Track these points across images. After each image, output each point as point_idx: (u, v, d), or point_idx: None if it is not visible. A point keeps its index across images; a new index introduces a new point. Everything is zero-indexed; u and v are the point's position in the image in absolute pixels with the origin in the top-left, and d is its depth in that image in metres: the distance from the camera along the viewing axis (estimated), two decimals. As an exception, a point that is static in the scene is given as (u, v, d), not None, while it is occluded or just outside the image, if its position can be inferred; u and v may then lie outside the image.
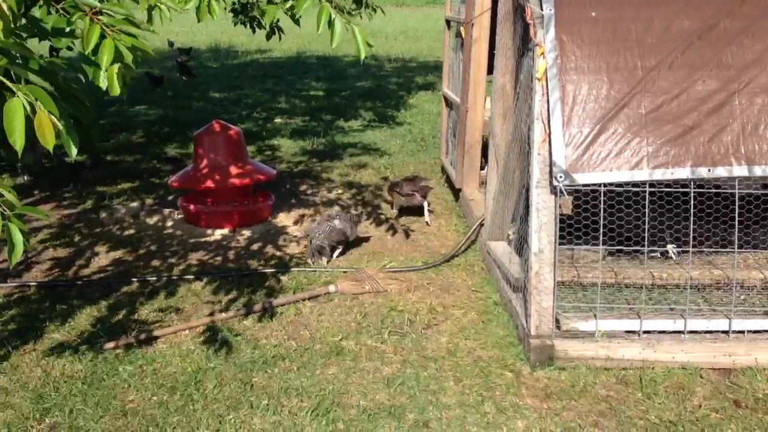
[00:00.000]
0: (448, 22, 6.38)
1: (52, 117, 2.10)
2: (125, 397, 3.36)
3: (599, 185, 3.50)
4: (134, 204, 6.05)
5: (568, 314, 3.67)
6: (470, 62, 5.45)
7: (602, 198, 3.49)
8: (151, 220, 5.80)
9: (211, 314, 4.13)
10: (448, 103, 6.48)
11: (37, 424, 3.17)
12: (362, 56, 2.97)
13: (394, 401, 3.28)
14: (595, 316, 3.61)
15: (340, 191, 6.53)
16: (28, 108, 2.01)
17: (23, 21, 2.30)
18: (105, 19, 2.22)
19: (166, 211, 5.94)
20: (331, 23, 2.93)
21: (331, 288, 4.40)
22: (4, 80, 1.93)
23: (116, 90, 2.57)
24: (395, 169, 7.21)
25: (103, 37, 2.31)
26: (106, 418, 3.20)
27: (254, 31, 6.79)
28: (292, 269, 4.76)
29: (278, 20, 7.04)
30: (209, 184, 5.57)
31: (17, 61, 2.13)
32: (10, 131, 2.06)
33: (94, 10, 2.23)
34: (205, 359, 3.66)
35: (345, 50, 17.93)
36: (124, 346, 3.77)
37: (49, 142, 2.12)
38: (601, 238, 3.54)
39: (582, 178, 3.44)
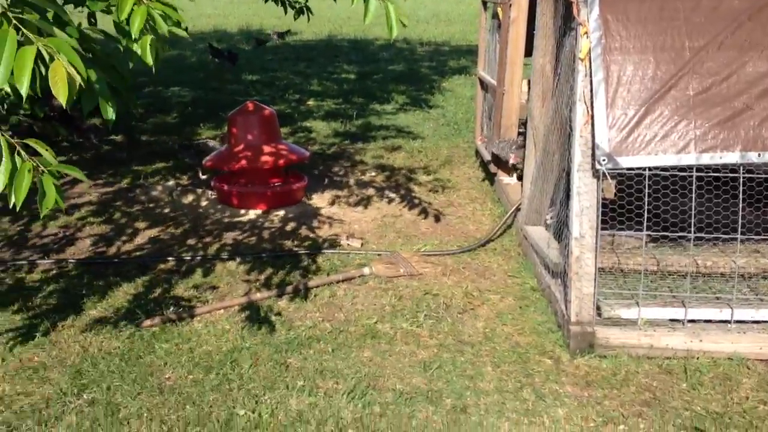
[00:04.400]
0: (484, 3, 6.27)
1: (72, 70, 2.08)
2: (162, 374, 3.37)
3: (644, 169, 3.40)
4: (169, 183, 6.07)
5: (609, 301, 3.59)
6: (507, 43, 5.35)
7: (647, 182, 3.40)
8: (186, 200, 5.81)
9: (247, 294, 4.13)
10: (484, 86, 6.38)
11: (75, 399, 3.19)
12: (394, 34, 2.89)
13: (431, 385, 3.25)
14: (637, 303, 3.53)
15: (373, 174, 6.48)
16: (47, 58, 2.00)
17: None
18: (139, -15, 2.20)
19: (200, 190, 5.95)
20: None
21: (366, 270, 4.37)
22: (23, 29, 1.93)
23: (149, 59, 2.55)
24: (428, 152, 7.14)
25: (137, 3, 2.29)
26: (143, 395, 3.21)
27: (285, 11, 6.74)
28: (326, 251, 4.73)
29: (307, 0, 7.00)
30: (243, 164, 5.56)
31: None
32: (19, 75, 2.05)
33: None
34: (241, 339, 3.65)
35: (377, 33, 17.86)
36: (160, 323, 3.79)
37: (61, 93, 2.08)
38: (645, 224, 3.44)
39: (626, 162, 3.35)
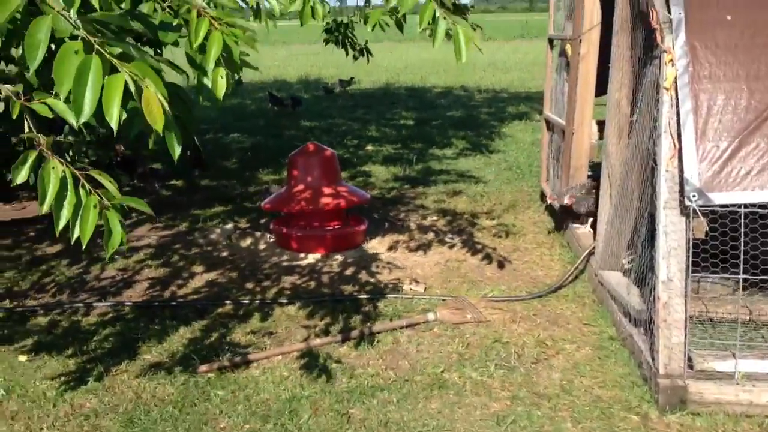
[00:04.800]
0: (550, 41, 6.09)
1: (160, 96, 1.95)
2: (216, 423, 3.18)
3: (739, 206, 3.11)
4: (228, 226, 5.98)
5: (701, 352, 3.27)
6: (577, 81, 5.14)
7: (743, 221, 3.10)
8: (244, 243, 5.70)
9: (306, 339, 3.94)
10: (550, 127, 6.16)
11: (126, 448, 3.02)
12: (463, 59, 2.69)
13: (506, 441, 2.97)
14: (733, 355, 3.20)
15: (434, 218, 6.28)
16: (132, 87, 1.84)
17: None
18: (213, 12, 2.07)
19: (258, 234, 5.84)
20: (434, 21, 2.70)
21: (431, 316, 4.14)
22: (108, 56, 1.77)
23: (220, 93, 2.41)
24: (491, 196, 6.91)
25: (211, 29, 2.16)
26: (196, 445, 3.02)
27: (347, 53, 6.71)
28: (389, 296, 4.52)
29: (366, 41, 6.95)
30: (302, 206, 5.44)
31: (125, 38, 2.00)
32: (108, 106, 1.90)
33: (201, 6, 2.09)
34: (300, 387, 3.45)
35: (434, 81, 17.90)
36: (216, 369, 3.62)
37: (158, 122, 1.94)
38: (741, 266, 3.13)
39: (719, 198, 3.07)
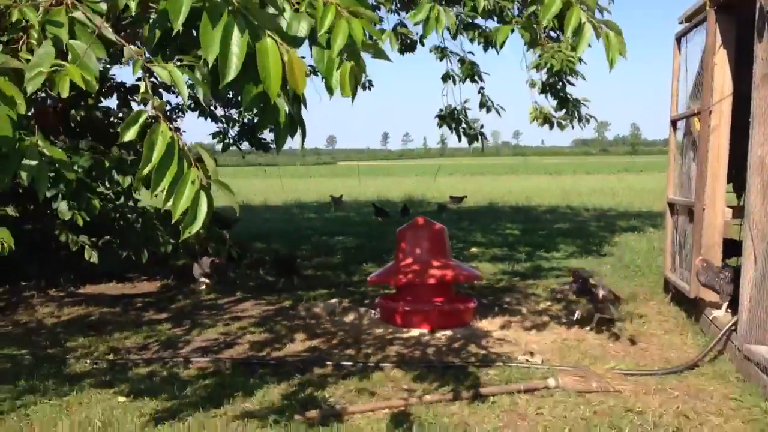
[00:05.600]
0: (674, 123, 5.86)
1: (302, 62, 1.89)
2: (318, 464, 2.89)
3: None
4: (332, 301, 5.83)
5: None
6: (707, 154, 4.85)
7: None
8: (347, 318, 5.51)
9: (412, 395, 3.62)
10: (674, 212, 5.80)
11: (220, 480, 2.77)
12: (614, 65, 2.53)
13: (651, 501, 2.52)
14: None
15: (548, 303, 5.92)
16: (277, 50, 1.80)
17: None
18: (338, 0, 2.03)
19: (362, 309, 5.65)
20: (580, 28, 2.57)
21: (551, 382, 3.75)
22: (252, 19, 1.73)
23: (348, 91, 2.34)
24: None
25: (337, 16, 2.12)
26: (295, 483, 2.73)
27: (459, 138, 6.69)
28: (502, 364, 4.17)
29: (482, 126, 6.93)
30: (409, 279, 5.24)
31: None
32: (265, 74, 1.86)
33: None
34: (408, 436, 3.13)
35: (538, 201, 17.74)
36: (316, 417, 3.35)
37: (300, 84, 1.88)
38: None
39: None
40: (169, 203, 1.95)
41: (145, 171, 1.92)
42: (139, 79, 2.12)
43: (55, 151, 2.44)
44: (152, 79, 2.10)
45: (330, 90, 2.36)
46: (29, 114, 2.05)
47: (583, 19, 2.59)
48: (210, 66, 1.93)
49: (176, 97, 8.49)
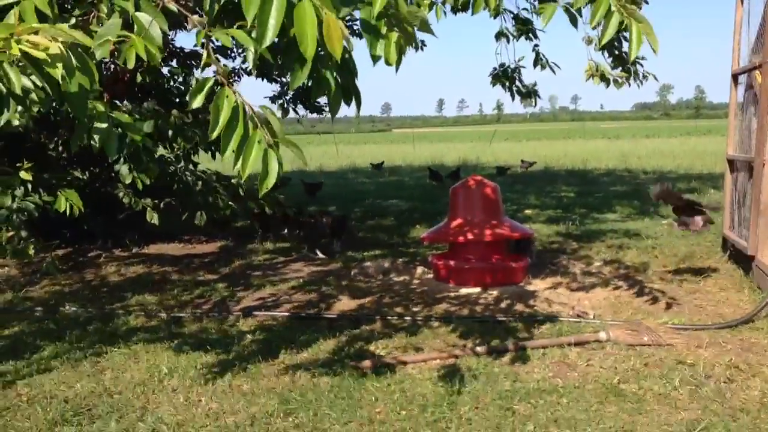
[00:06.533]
0: (735, 77, 5.70)
1: (341, 24, 1.94)
2: (372, 408, 3.01)
3: None
4: (383, 261, 5.93)
5: None
6: (768, 108, 4.72)
7: None
8: (399, 277, 5.61)
9: (464, 347, 3.71)
10: (734, 168, 5.68)
11: (280, 421, 2.92)
12: (633, 53, 2.47)
13: (699, 446, 2.56)
14: None
15: (599, 264, 5.89)
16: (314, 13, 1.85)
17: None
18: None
19: (414, 268, 5.73)
20: (608, 15, 2.53)
21: (602, 335, 3.78)
22: None
23: (393, 58, 2.37)
24: (663, 249, 6.41)
25: None
26: (352, 424, 2.86)
27: (513, 97, 6.65)
28: (553, 319, 4.21)
29: (535, 83, 6.86)
30: (462, 238, 5.30)
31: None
32: (301, 36, 1.92)
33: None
34: (459, 384, 3.21)
35: (595, 164, 17.46)
36: (370, 366, 3.47)
37: (336, 48, 1.93)
38: None
39: None
40: (239, 165, 2.04)
41: (214, 135, 2.02)
42: (200, 46, 2.22)
43: (122, 116, 2.57)
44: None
45: (373, 58, 2.41)
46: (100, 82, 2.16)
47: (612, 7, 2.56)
48: (249, 24, 1.99)
49: (233, 61, 8.72)
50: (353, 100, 2.32)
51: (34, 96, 1.96)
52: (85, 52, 2.01)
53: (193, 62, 7.79)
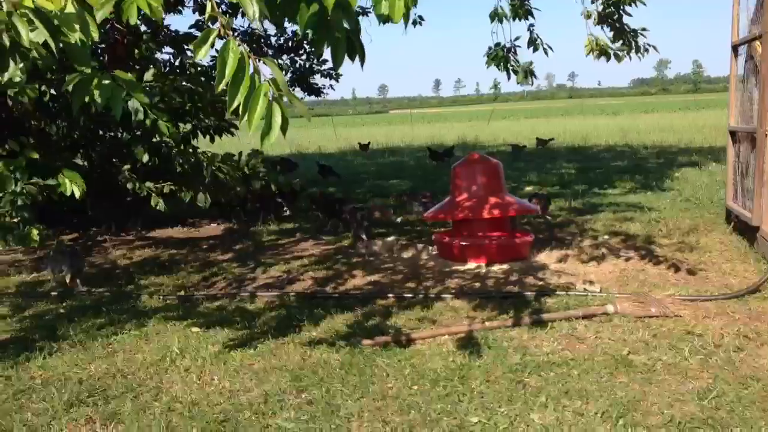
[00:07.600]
0: (735, 48, 5.68)
1: None
2: (384, 384, 3.03)
3: None
4: (390, 239, 5.95)
5: None
6: (771, 77, 4.71)
7: None
8: (406, 254, 5.63)
9: (473, 322, 3.73)
10: (736, 140, 5.67)
11: (293, 398, 2.94)
12: None
13: (712, 414, 2.58)
14: None
15: (605, 237, 5.90)
16: None
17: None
18: None
19: (420, 245, 5.75)
20: None
21: (609, 308, 3.80)
22: None
23: (397, 16, 2.36)
24: (667, 221, 6.42)
25: None
26: (364, 400, 2.88)
27: (509, 76, 6.62)
28: (561, 293, 4.23)
29: (532, 63, 6.83)
30: (465, 214, 5.30)
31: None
32: None
33: None
34: (469, 358, 3.24)
35: (595, 140, 17.43)
36: (381, 343, 3.49)
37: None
38: None
39: None
40: (245, 119, 2.02)
41: (220, 87, 2.00)
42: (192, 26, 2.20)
43: (124, 74, 2.53)
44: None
45: (379, 18, 2.38)
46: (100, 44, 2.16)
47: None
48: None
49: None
50: (357, 55, 2.28)
51: (35, 53, 1.95)
52: (89, 13, 2.01)
53: (188, 47, 7.74)
